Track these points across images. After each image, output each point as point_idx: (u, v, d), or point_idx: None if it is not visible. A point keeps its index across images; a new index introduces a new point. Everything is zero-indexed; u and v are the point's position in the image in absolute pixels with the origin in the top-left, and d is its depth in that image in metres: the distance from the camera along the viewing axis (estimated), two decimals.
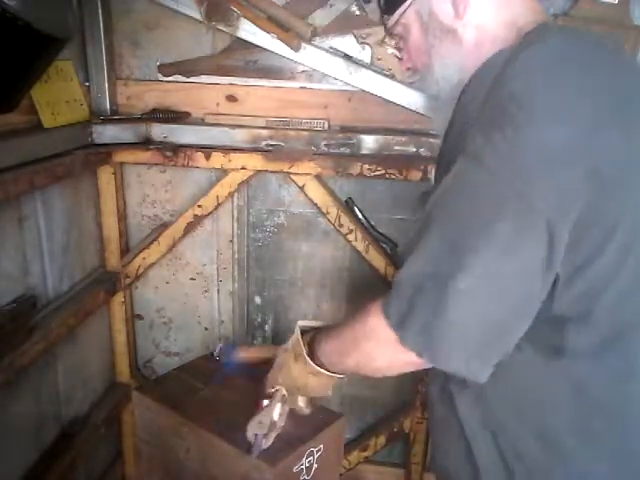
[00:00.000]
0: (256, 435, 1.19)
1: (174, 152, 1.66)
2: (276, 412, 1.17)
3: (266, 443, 1.20)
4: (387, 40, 1.03)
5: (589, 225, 0.69)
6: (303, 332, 1.05)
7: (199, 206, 1.76)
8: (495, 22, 0.85)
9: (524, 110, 0.68)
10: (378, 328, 0.80)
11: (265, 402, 1.20)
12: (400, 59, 1.01)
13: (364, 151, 1.65)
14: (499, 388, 0.82)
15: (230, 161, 1.67)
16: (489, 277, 0.70)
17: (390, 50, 1.04)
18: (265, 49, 1.64)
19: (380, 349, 0.82)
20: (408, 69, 0.99)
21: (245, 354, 1.48)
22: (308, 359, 1.00)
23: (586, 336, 0.76)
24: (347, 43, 1.65)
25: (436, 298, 0.71)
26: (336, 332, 0.94)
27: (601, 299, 0.74)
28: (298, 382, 1.06)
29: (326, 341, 0.98)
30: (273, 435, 1.19)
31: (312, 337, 1.02)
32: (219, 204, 1.76)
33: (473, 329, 0.72)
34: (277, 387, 1.14)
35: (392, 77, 1.64)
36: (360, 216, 1.77)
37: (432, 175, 1.03)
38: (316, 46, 1.64)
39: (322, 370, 0.99)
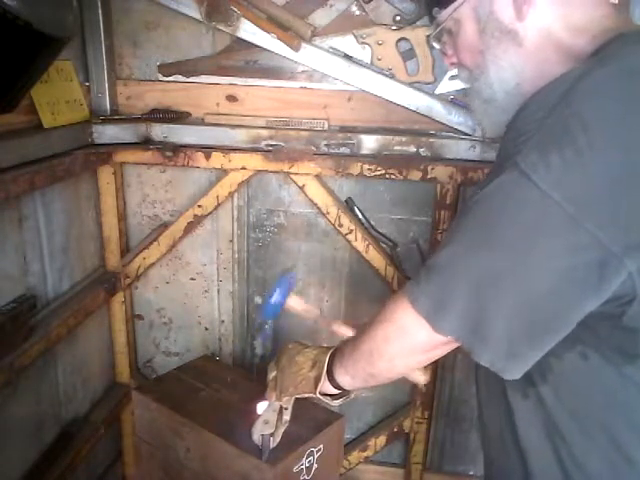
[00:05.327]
0: (262, 436, 1.17)
1: (174, 152, 1.66)
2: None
3: (274, 442, 1.18)
4: (433, 34, 0.95)
5: None
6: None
7: (199, 206, 1.76)
8: (561, 26, 0.80)
9: (589, 133, 0.65)
10: (401, 311, 0.80)
11: (260, 405, 1.19)
12: (444, 54, 0.96)
13: (364, 151, 1.65)
14: (563, 397, 0.80)
15: (230, 161, 1.67)
16: (519, 292, 0.70)
17: (434, 44, 0.98)
18: (265, 49, 1.64)
19: (399, 331, 0.82)
20: (452, 64, 0.95)
21: (293, 305, 1.30)
22: (326, 378, 0.99)
23: None
24: (347, 43, 1.65)
25: (472, 291, 0.72)
26: (359, 329, 0.94)
27: None
28: (298, 388, 1.06)
29: (346, 344, 0.98)
30: (281, 431, 1.17)
31: (337, 348, 1.01)
32: (219, 204, 1.76)
33: (505, 323, 0.72)
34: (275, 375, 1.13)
35: (392, 77, 1.64)
36: (360, 216, 1.77)
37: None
38: (316, 46, 1.64)
39: (329, 392, 1.00)
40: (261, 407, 1.19)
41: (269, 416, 1.15)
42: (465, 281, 0.73)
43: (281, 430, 1.16)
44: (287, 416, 1.14)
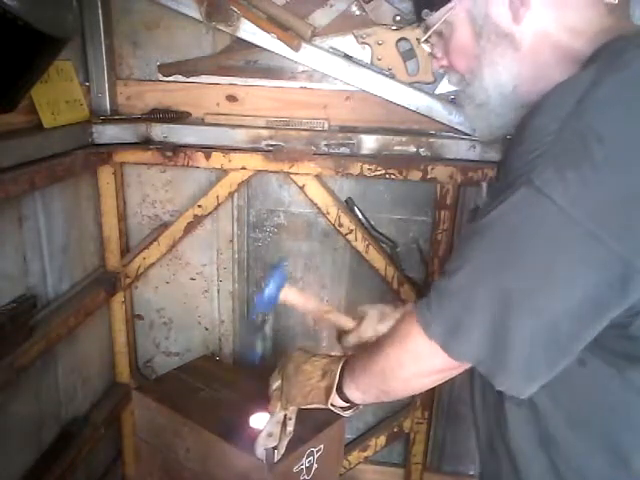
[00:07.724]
0: (266, 450, 1.14)
1: (174, 152, 1.66)
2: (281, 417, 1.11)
3: (278, 454, 1.15)
4: (424, 38, 0.92)
5: None
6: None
7: (199, 206, 1.76)
8: (557, 28, 0.79)
9: (605, 146, 0.64)
10: (414, 337, 0.79)
11: (254, 418, 1.16)
12: (433, 56, 0.94)
13: (364, 151, 1.65)
14: (558, 403, 0.79)
15: (230, 161, 1.67)
16: (542, 315, 0.69)
17: (424, 46, 0.95)
18: (265, 49, 1.64)
19: (413, 357, 0.82)
20: (442, 67, 0.93)
21: (287, 298, 1.18)
22: (335, 391, 0.97)
23: None
24: (347, 43, 1.65)
25: (491, 316, 0.71)
26: (370, 347, 0.92)
27: None
28: (307, 398, 1.03)
29: (357, 360, 0.96)
30: (285, 443, 1.13)
31: (346, 361, 0.99)
32: (219, 204, 1.76)
33: (526, 346, 0.71)
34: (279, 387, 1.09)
35: (392, 77, 1.65)
36: (360, 216, 1.77)
37: (484, 187, 0.97)
38: (316, 46, 1.64)
39: (338, 403, 0.98)
40: (255, 420, 1.16)
41: (273, 428, 1.10)
42: (483, 306, 0.72)
43: (285, 442, 1.12)
44: (291, 427, 1.10)
